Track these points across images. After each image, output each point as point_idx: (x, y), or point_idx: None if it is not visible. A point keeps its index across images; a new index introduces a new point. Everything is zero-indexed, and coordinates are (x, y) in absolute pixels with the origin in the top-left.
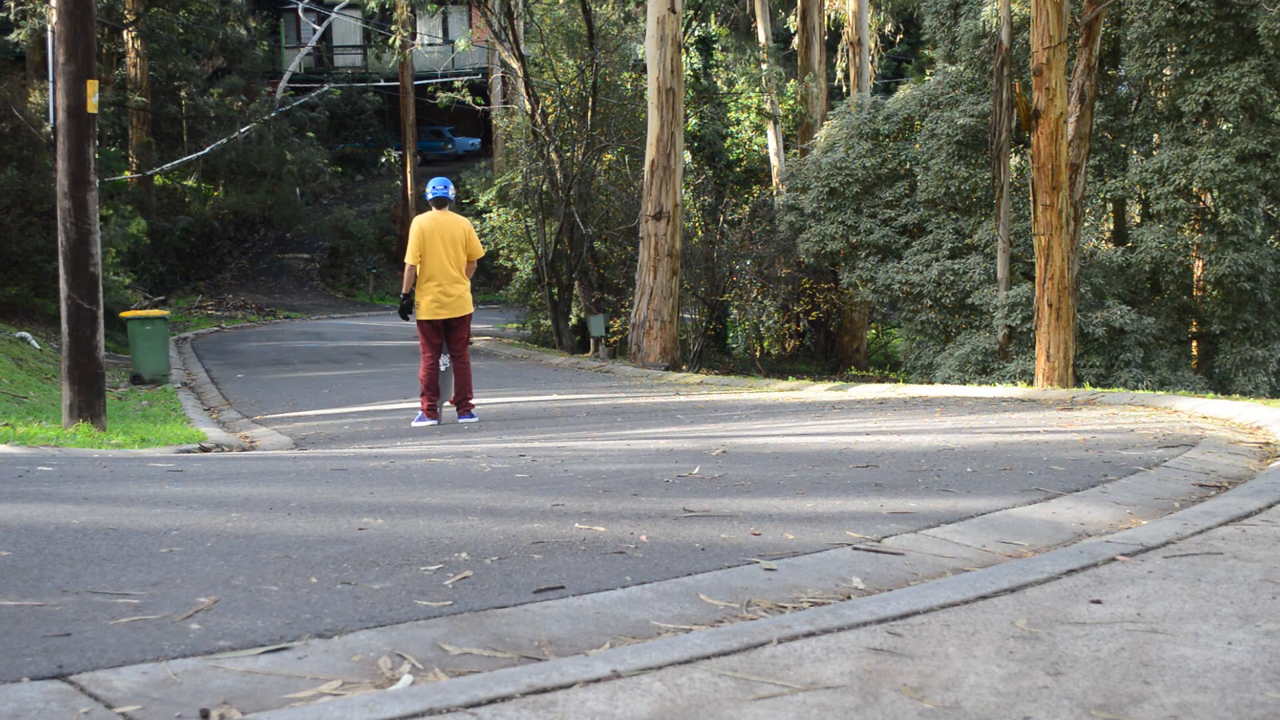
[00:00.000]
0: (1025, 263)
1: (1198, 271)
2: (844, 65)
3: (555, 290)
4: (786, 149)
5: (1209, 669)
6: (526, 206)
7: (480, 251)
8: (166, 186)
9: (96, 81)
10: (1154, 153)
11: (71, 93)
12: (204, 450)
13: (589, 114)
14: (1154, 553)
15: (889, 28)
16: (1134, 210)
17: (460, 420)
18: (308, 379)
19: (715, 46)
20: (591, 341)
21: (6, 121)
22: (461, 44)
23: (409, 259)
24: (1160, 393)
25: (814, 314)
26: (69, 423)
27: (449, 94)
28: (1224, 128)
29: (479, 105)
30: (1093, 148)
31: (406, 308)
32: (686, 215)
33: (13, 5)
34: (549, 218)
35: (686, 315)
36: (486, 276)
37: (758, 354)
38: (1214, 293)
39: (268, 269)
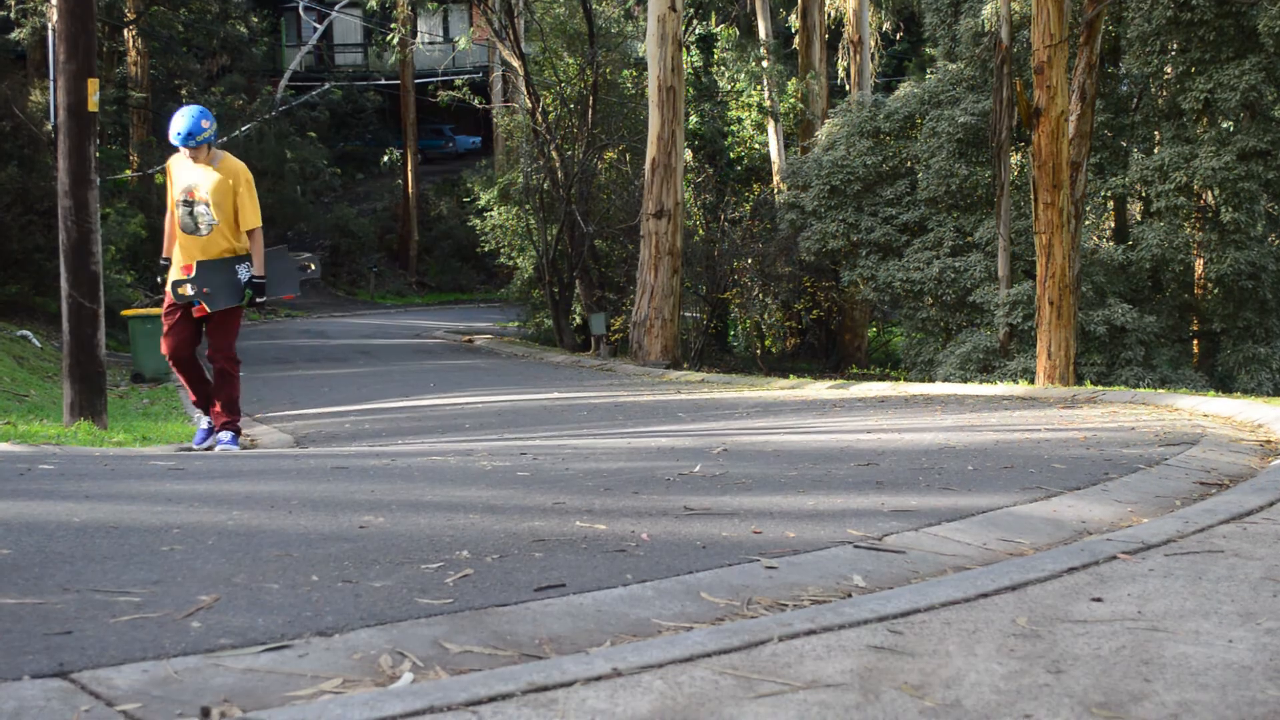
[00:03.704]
0: (1026, 261)
1: (1199, 269)
2: (845, 63)
3: (556, 288)
4: (787, 147)
5: (1210, 667)
6: (528, 205)
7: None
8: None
9: (97, 80)
10: (1155, 150)
11: (72, 91)
12: (205, 450)
13: (590, 112)
14: (1155, 550)
15: (889, 26)
16: (1135, 208)
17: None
18: (309, 377)
19: (716, 45)
20: (592, 340)
21: (7, 120)
22: (462, 43)
23: (259, 219)
24: (1161, 391)
25: (815, 312)
26: (70, 421)
27: (449, 93)
28: (1225, 126)
29: (479, 104)
30: (1093, 146)
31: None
32: (687, 213)
33: (14, 4)
34: (550, 216)
35: (687, 313)
36: (487, 275)
37: (759, 352)
38: (1215, 291)
39: None
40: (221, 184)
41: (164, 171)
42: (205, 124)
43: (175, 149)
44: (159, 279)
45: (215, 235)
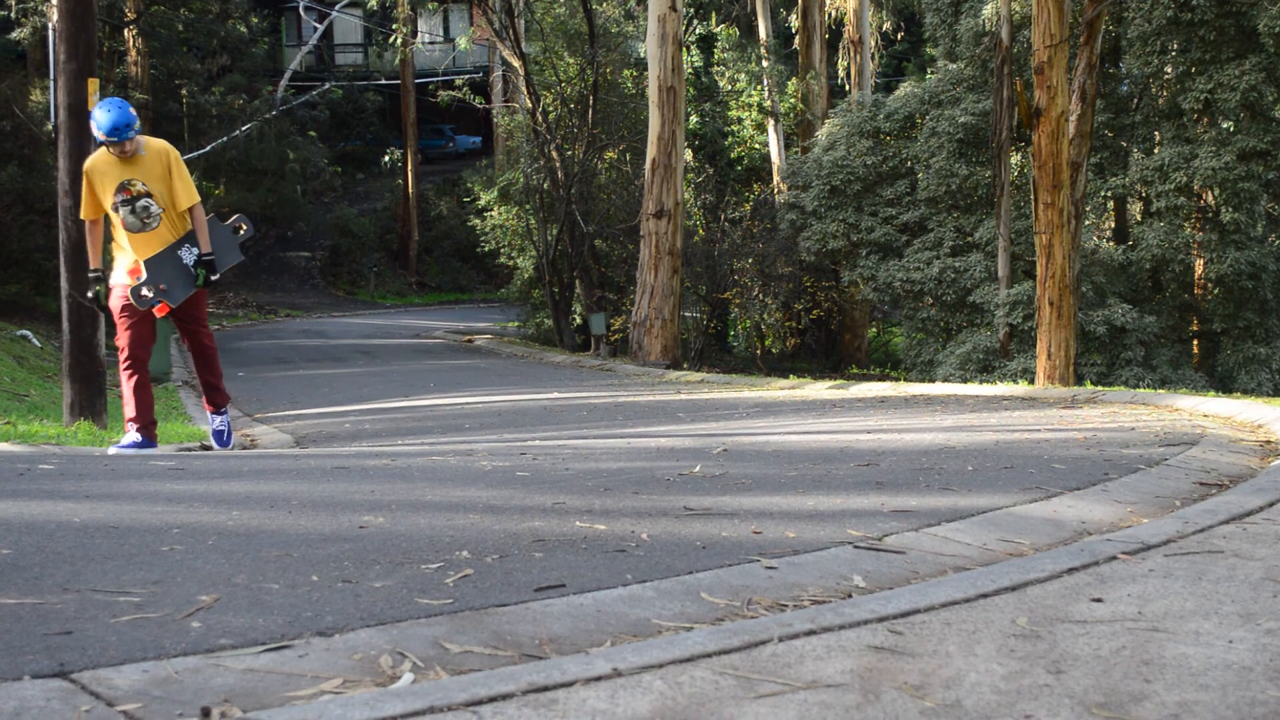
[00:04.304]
0: (1026, 261)
1: (1199, 270)
2: (845, 63)
3: (556, 289)
4: (788, 147)
5: (1210, 667)
6: (528, 205)
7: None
8: None
9: (98, 80)
10: (1155, 151)
11: (73, 91)
12: (205, 448)
13: (590, 112)
14: (1155, 551)
15: (890, 26)
16: (1135, 208)
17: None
18: (309, 377)
19: (716, 45)
20: (592, 340)
21: (7, 120)
22: (462, 42)
23: (196, 194)
24: (1161, 391)
25: (815, 312)
26: (70, 421)
27: (450, 92)
28: (1225, 126)
29: (480, 104)
30: (1094, 146)
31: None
32: (687, 213)
33: (14, 4)
34: (550, 216)
35: (687, 314)
36: (487, 275)
37: (759, 352)
38: (1215, 291)
39: (269, 267)
40: (157, 170)
41: (85, 180)
42: (132, 111)
43: (104, 147)
44: (91, 293)
45: (164, 225)
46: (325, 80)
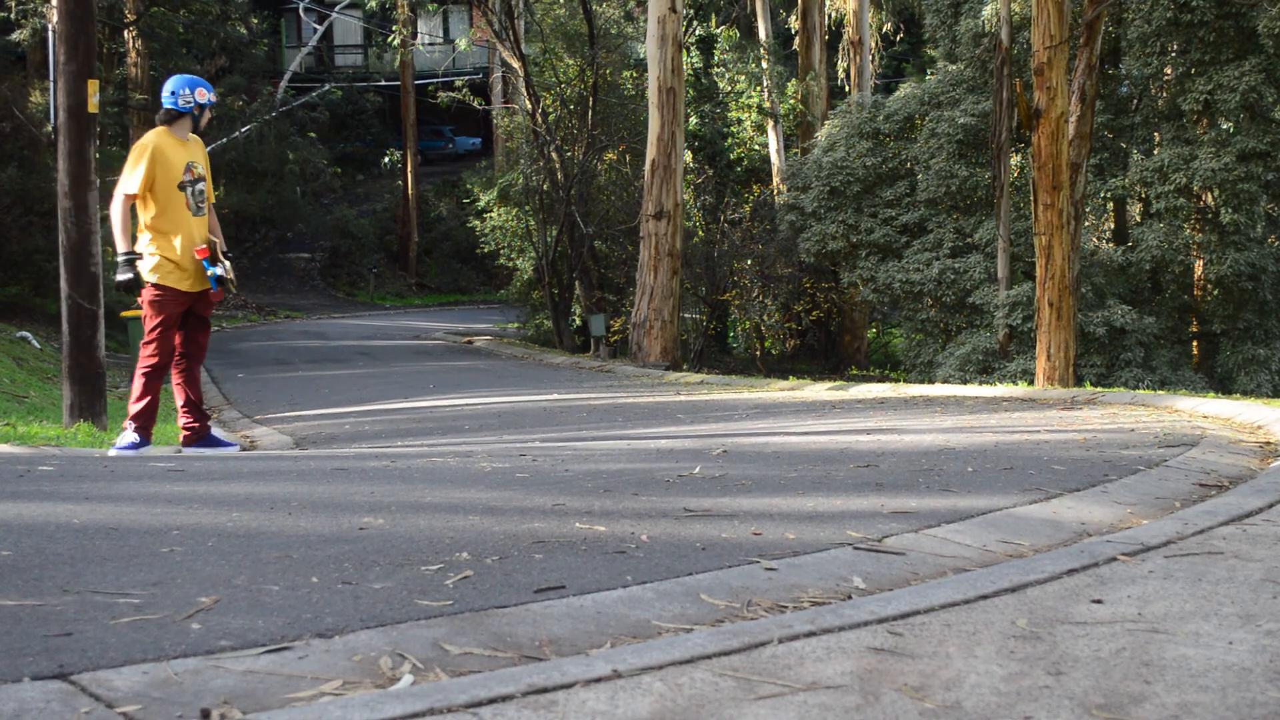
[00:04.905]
0: (1026, 262)
1: (1199, 271)
2: (845, 64)
3: (556, 290)
4: (787, 148)
5: (1210, 668)
6: (527, 206)
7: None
8: None
9: (97, 81)
10: (1155, 152)
11: (72, 92)
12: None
13: (589, 113)
14: (1155, 552)
15: (889, 27)
16: (1135, 209)
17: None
18: (308, 378)
19: (716, 46)
20: (592, 341)
21: (7, 121)
22: (462, 44)
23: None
24: (1161, 392)
25: (815, 313)
26: (70, 422)
27: (449, 94)
28: (1224, 127)
29: (480, 105)
30: (1093, 147)
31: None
32: (687, 215)
33: (14, 5)
34: (550, 217)
35: (687, 315)
36: (487, 276)
37: (758, 353)
38: (1215, 292)
39: (268, 268)
40: (204, 157)
41: (148, 155)
42: None
43: (177, 119)
44: (127, 277)
45: (208, 213)
46: (325, 81)
